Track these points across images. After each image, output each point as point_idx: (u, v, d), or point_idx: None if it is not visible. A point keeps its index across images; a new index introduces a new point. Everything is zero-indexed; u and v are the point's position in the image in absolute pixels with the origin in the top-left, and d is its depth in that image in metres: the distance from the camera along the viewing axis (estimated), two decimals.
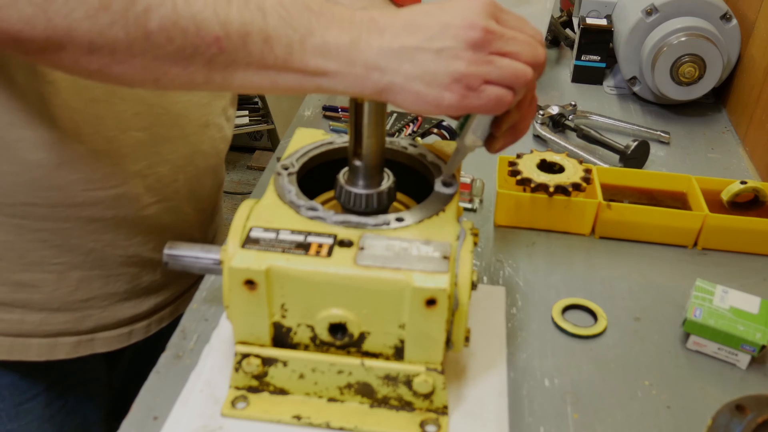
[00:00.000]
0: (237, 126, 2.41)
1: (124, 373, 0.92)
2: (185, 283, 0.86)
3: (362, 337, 0.56)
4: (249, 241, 0.55)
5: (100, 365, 0.84)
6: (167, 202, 0.76)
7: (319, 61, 0.50)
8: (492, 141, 0.58)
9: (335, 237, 0.56)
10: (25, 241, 0.69)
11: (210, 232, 0.90)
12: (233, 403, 0.59)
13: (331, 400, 0.59)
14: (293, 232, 0.56)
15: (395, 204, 0.65)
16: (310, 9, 0.50)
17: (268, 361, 0.58)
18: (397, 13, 0.51)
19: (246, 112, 2.43)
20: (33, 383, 0.78)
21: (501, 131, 0.56)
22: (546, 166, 0.85)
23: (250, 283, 0.54)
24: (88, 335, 0.76)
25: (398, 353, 0.56)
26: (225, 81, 0.51)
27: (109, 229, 0.72)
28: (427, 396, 0.57)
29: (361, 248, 0.54)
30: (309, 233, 0.56)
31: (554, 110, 1.06)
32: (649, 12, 1.10)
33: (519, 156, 0.87)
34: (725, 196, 0.85)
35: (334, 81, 0.51)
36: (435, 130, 1.02)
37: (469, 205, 0.88)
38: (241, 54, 0.49)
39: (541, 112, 1.07)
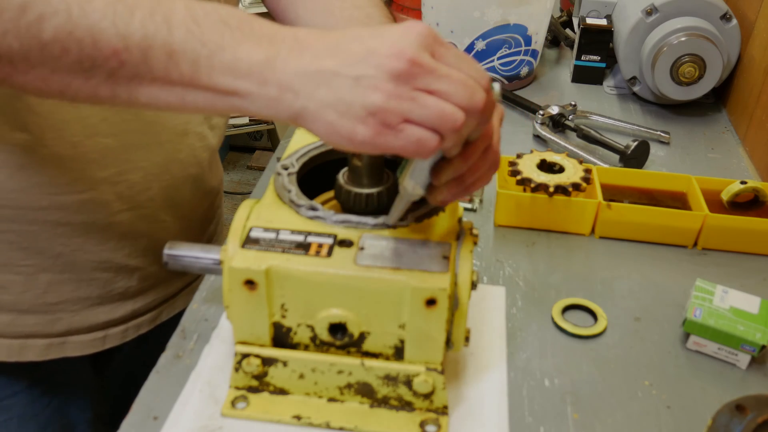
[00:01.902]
0: (237, 126, 2.41)
1: (116, 377, 0.91)
2: (166, 291, 0.84)
3: (362, 337, 0.56)
4: (249, 241, 0.55)
5: (84, 367, 0.83)
6: (141, 210, 0.74)
7: (228, 80, 0.46)
8: (432, 191, 0.52)
9: (335, 237, 0.56)
10: None
11: (204, 238, 0.89)
12: (233, 403, 0.59)
13: (331, 400, 0.59)
14: (293, 232, 0.56)
15: None
16: (226, 23, 0.47)
17: (268, 361, 0.58)
18: (326, 33, 0.47)
19: None
20: (12, 381, 0.77)
21: (440, 181, 0.51)
22: (546, 166, 0.86)
23: (250, 283, 0.54)
24: (59, 338, 0.75)
25: (398, 353, 0.56)
26: (131, 96, 0.48)
27: (78, 233, 0.71)
28: (427, 396, 0.57)
29: (361, 248, 0.54)
30: (309, 233, 0.56)
31: (554, 110, 1.06)
32: (649, 12, 1.10)
33: (519, 156, 0.87)
34: (725, 196, 0.85)
35: (246, 101, 0.47)
36: None
37: (469, 205, 0.88)
38: (143, 69, 0.46)
39: (541, 112, 1.07)
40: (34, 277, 0.71)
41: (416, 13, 1.33)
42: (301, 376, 0.58)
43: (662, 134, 1.06)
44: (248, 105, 0.47)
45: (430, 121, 0.44)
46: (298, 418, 0.58)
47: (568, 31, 1.37)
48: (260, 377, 0.59)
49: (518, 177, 0.83)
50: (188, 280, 0.86)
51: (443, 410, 0.58)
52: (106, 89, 0.48)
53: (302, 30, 0.48)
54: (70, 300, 0.74)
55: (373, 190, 0.59)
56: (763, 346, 0.65)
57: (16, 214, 0.68)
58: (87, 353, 0.77)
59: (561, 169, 0.85)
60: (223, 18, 0.47)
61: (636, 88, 1.17)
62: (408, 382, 0.57)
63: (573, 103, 1.08)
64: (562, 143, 1.00)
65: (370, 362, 0.57)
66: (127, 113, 0.69)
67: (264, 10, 0.85)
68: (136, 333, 0.81)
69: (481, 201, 0.89)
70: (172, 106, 0.49)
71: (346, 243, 0.55)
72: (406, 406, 0.58)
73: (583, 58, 1.23)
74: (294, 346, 0.58)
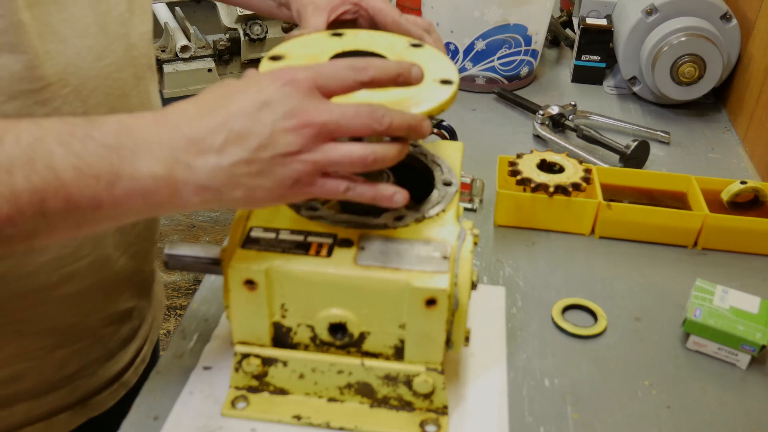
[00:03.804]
0: None
1: None
2: (157, 317, 0.82)
3: (362, 337, 0.56)
4: (249, 241, 0.55)
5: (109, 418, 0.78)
6: (132, 248, 0.71)
7: (138, 203, 0.45)
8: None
9: (335, 237, 0.56)
10: None
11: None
12: (233, 403, 0.59)
13: (331, 400, 0.59)
14: (293, 232, 0.56)
15: None
16: (107, 146, 0.44)
17: (268, 361, 0.58)
18: (204, 113, 0.46)
19: None
20: None
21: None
22: (546, 166, 0.85)
23: (250, 283, 0.54)
24: (80, 405, 0.71)
25: (398, 353, 0.56)
26: (31, 245, 0.46)
27: (89, 297, 0.67)
28: (427, 396, 0.57)
29: (361, 248, 0.54)
30: (309, 233, 0.56)
31: (554, 110, 1.06)
32: (649, 12, 1.10)
33: (519, 156, 0.87)
34: (725, 196, 0.85)
35: (163, 210, 0.47)
36: (435, 130, 1.02)
37: (469, 205, 0.88)
38: (41, 223, 0.44)
39: (541, 112, 1.07)
40: (49, 357, 0.66)
41: (416, 13, 1.33)
42: (301, 376, 0.58)
43: (662, 134, 1.06)
44: (166, 211, 0.48)
45: (344, 169, 0.48)
46: (298, 418, 0.58)
47: (568, 31, 1.37)
48: (260, 377, 0.59)
49: (518, 177, 0.83)
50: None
51: (443, 410, 0.58)
52: (2, 249, 0.45)
53: (176, 117, 0.47)
54: (85, 366, 0.70)
55: None
56: (763, 346, 0.65)
57: (25, 302, 0.62)
58: (108, 407, 0.74)
59: (561, 169, 0.85)
60: (101, 141, 0.44)
61: (636, 88, 1.17)
62: (408, 382, 0.57)
63: (573, 103, 1.08)
64: (562, 143, 1.00)
65: (370, 362, 0.57)
66: None
67: None
68: (143, 364, 0.79)
69: (481, 201, 0.89)
70: (82, 236, 0.48)
71: (346, 243, 0.55)
72: (406, 406, 0.58)
73: (583, 58, 1.23)
74: (294, 346, 0.58)
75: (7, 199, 0.42)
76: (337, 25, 0.69)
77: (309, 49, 0.62)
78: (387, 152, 0.49)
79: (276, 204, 0.50)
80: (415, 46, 0.64)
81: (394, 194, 0.50)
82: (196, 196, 0.46)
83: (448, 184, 0.61)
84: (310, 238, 0.55)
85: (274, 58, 0.60)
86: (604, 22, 1.21)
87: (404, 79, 0.50)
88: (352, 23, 0.70)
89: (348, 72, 0.48)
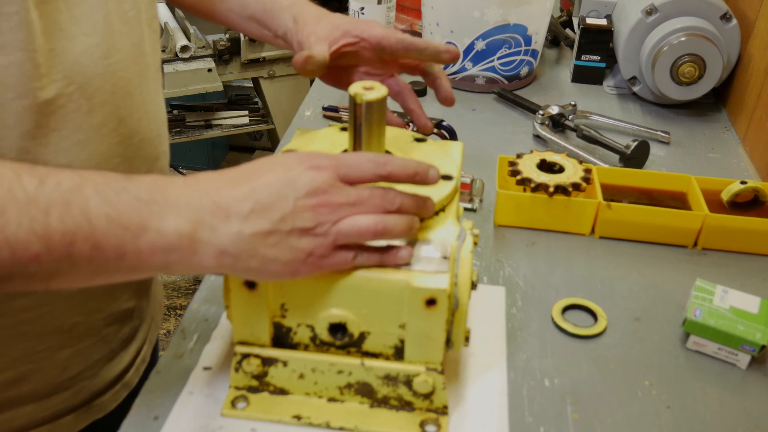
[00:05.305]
0: (237, 126, 2.41)
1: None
2: (156, 318, 0.82)
3: (362, 337, 0.56)
4: None
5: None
6: None
7: (158, 257, 0.48)
8: None
9: None
10: (2, 340, 0.62)
11: None
12: (233, 403, 0.59)
13: (331, 400, 0.59)
14: None
15: None
16: (140, 199, 0.47)
17: (268, 361, 0.58)
18: (234, 184, 0.50)
19: (246, 112, 2.42)
20: None
21: None
22: (546, 166, 0.86)
23: (249, 284, 0.54)
24: (84, 407, 0.71)
25: (398, 353, 0.56)
26: (48, 287, 0.48)
27: (91, 296, 0.67)
28: (427, 396, 0.57)
29: None
30: None
31: (554, 110, 1.06)
32: (649, 12, 1.10)
33: (519, 156, 0.87)
34: (725, 196, 0.85)
35: (179, 269, 0.49)
36: (435, 130, 1.02)
37: (469, 205, 0.88)
38: (65, 264, 0.46)
39: (541, 112, 1.07)
40: (53, 358, 0.66)
41: (416, 13, 1.34)
42: (301, 376, 0.58)
43: (662, 134, 1.06)
44: (182, 270, 0.50)
45: (354, 240, 0.51)
46: (298, 418, 0.58)
47: (568, 31, 1.37)
48: (260, 377, 0.59)
49: (518, 177, 0.83)
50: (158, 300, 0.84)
51: (443, 410, 0.58)
52: (20, 287, 0.47)
53: (207, 185, 0.50)
54: (88, 366, 0.70)
55: None
56: (763, 346, 0.65)
57: (30, 302, 0.62)
58: (111, 409, 0.74)
59: (561, 169, 0.85)
60: (135, 194, 0.47)
61: (636, 88, 1.17)
62: (408, 382, 0.57)
63: (573, 103, 1.08)
64: (562, 143, 1.00)
65: (370, 362, 0.57)
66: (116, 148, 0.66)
67: None
68: (144, 364, 0.79)
69: (481, 201, 0.89)
70: (97, 285, 0.50)
71: None
72: (406, 406, 0.58)
73: (583, 58, 1.23)
74: (294, 346, 0.58)
75: (39, 236, 0.44)
76: (338, 56, 0.70)
77: (320, 144, 0.63)
78: (396, 224, 0.52)
79: (287, 279, 0.52)
80: (418, 140, 0.66)
81: (399, 253, 0.53)
82: (214, 259, 0.49)
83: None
84: None
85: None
86: (604, 22, 1.21)
87: (421, 178, 0.53)
88: (354, 55, 0.71)
89: (368, 165, 0.52)
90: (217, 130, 2.38)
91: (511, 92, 1.16)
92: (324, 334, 0.56)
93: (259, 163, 0.52)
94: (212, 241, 0.48)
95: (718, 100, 1.19)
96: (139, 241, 0.47)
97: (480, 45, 1.15)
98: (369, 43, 0.69)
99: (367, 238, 0.51)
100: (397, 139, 0.65)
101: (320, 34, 0.69)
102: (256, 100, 2.52)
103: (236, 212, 0.48)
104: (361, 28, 0.70)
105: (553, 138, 1.02)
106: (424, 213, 0.54)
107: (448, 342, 0.56)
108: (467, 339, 0.58)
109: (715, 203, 0.84)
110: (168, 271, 0.49)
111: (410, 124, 0.95)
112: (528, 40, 1.16)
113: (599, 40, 1.21)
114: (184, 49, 2.12)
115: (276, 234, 0.49)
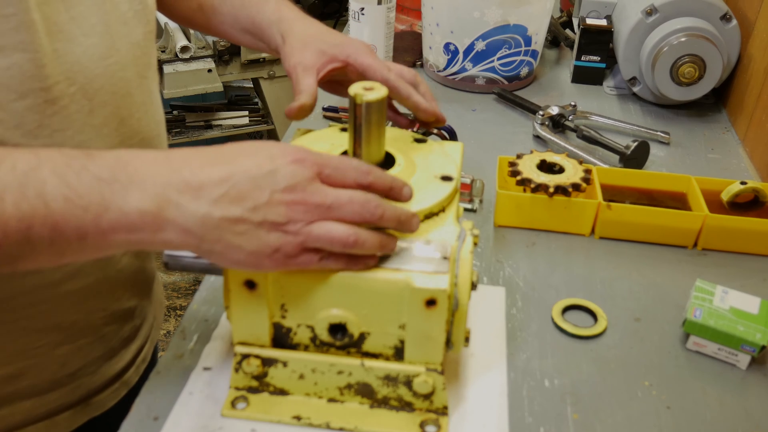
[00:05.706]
0: (237, 126, 2.41)
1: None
2: (157, 317, 0.82)
3: (362, 337, 0.56)
4: None
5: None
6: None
7: (121, 237, 0.47)
8: None
9: None
10: (1, 335, 0.62)
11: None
12: (233, 404, 0.59)
13: (331, 400, 0.59)
14: None
15: None
16: (100, 179, 0.46)
17: (268, 362, 0.58)
18: (210, 164, 0.48)
19: (246, 112, 2.43)
20: None
21: None
22: (546, 167, 0.86)
23: (249, 284, 0.54)
24: (81, 404, 0.71)
25: (398, 353, 0.56)
26: (13, 269, 0.48)
27: (92, 294, 0.67)
28: (427, 396, 0.57)
29: None
30: None
31: (554, 110, 1.06)
32: (649, 12, 1.10)
33: (519, 156, 0.87)
34: (725, 197, 0.85)
35: (143, 246, 0.48)
36: (435, 130, 1.02)
37: (469, 206, 0.88)
38: (26, 248, 0.46)
39: (541, 112, 1.07)
40: (51, 354, 0.66)
41: (416, 13, 1.34)
42: (301, 377, 0.58)
43: (662, 134, 1.06)
44: (149, 247, 0.49)
45: (324, 247, 0.50)
46: (298, 418, 0.58)
47: (568, 31, 1.37)
48: (260, 378, 0.59)
49: (518, 177, 0.83)
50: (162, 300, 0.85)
51: (443, 410, 0.58)
52: None
53: (183, 160, 0.48)
54: (86, 364, 0.70)
55: None
56: (763, 347, 0.65)
57: (29, 299, 0.62)
58: (109, 407, 0.74)
59: (561, 170, 0.85)
60: (95, 173, 0.46)
61: (636, 89, 1.17)
62: (408, 383, 0.57)
63: (573, 103, 1.08)
64: (562, 143, 1.00)
65: (370, 363, 0.57)
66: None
67: None
68: (144, 364, 0.79)
69: (481, 201, 0.89)
70: (65, 263, 0.49)
71: None
72: (406, 406, 0.58)
73: (583, 58, 1.23)
74: (294, 347, 0.58)
75: None
76: (327, 81, 0.70)
77: (320, 144, 0.63)
78: (368, 239, 0.51)
79: (248, 270, 0.52)
80: (418, 141, 0.66)
81: (366, 260, 0.52)
82: (178, 237, 0.48)
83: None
84: None
85: None
86: (604, 22, 1.21)
87: (395, 194, 0.53)
88: (342, 73, 0.70)
89: (351, 171, 0.51)
90: (217, 131, 2.38)
91: (511, 93, 1.16)
92: (324, 335, 0.56)
93: (243, 146, 0.51)
94: (178, 219, 0.47)
95: (718, 101, 1.19)
96: (100, 221, 0.46)
97: (480, 45, 1.15)
98: (354, 68, 0.68)
99: (336, 248, 0.50)
100: (397, 140, 0.65)
101: (307, 64, 0.68)
102: (256, 100, 2.53)
103: (207, 194, 0.47)
104: (347, 52, 0.69)
105: (553, 138, 1.02)
106: (404, 229, 0.53)
107: (448, 342, 0.56)
108: (467, 339, 0.58)
109: (715, 204, 0.84)
110: (136, 248, 0.49)
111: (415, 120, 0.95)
112: (528, 41, 1.16)
113: (599, 40, 1.21)
114: (184, 49, 2.12)
115: (245, 222, 0.48)
